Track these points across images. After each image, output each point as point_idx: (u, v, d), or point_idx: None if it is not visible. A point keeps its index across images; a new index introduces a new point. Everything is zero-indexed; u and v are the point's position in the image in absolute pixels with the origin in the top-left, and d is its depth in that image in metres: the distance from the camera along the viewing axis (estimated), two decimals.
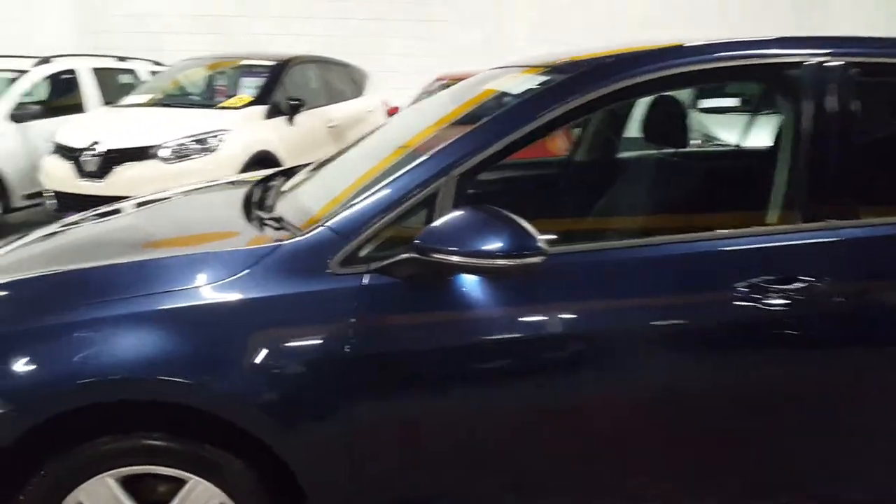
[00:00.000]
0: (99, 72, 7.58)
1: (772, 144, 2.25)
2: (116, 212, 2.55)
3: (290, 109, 6.58)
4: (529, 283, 1.69)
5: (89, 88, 7.40)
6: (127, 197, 2.93)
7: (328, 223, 1.73)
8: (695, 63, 1.90)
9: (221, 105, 6.58)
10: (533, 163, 3.09)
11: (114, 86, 7.63)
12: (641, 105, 2.52)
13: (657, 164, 2.74)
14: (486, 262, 1.58)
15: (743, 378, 1.78)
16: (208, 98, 7.06)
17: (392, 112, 7.92)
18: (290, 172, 2.71)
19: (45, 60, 7.17)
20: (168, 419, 1.66)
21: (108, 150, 5.74)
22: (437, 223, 1.63)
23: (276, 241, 1.76)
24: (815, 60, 1.88)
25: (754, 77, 2.36)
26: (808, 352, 1.79)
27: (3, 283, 1.81)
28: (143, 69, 8.24)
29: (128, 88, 7.50)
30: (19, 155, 6.48)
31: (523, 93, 2.01)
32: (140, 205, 2.59)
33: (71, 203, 5.49)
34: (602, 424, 1.78)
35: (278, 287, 1.66)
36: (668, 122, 2.39)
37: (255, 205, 2.23)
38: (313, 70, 7.48)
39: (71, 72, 7.34)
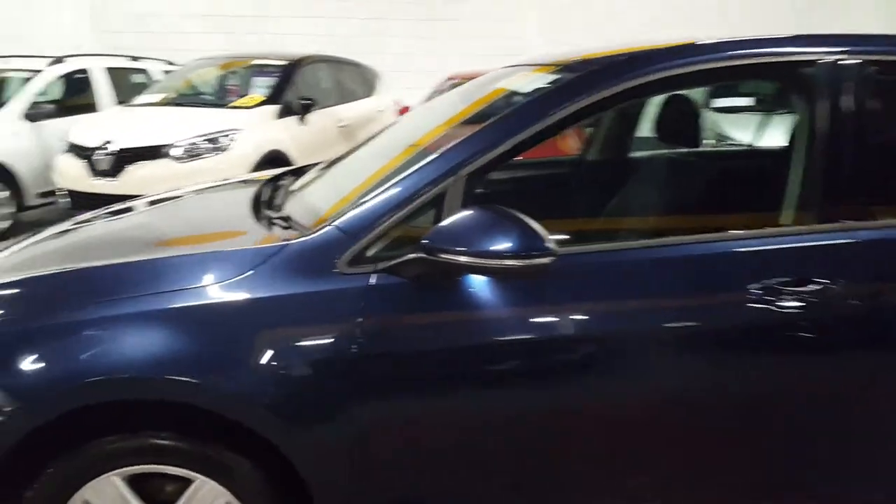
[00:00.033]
0: (112, 71, 7.64)
1: (786, 144, 2.22)
2: (128, 210, 2.55)
3: (302, 109, 6.60)
4: (538, 283, 1.67)
5: (102, 88, 7.46)
6: (139, 196, 2.94)
7: (336, 222, 1.72)
8: (708, 61, 1.87)
9: (233, 104, 6.61)
10: (544, 162, 3.07)
11: (127, 85, 7.68)
12: (654, 104, 2.50)
13: (669, 163, 2.72)
14: (494, 262, 1.57)
15: (756, 381, 1.76)
16: (220, 97, 7.08)
17: (403, 111, 7.92)
18: (299, 172, 2.71)
19: (59, 60, 7.24)
20: (175, 418, 1.66)
21: (121, 149, 5.78)
22: (445, 223, 1.62)
23: (284, 240, 1.75)
24: (830, 59, 1.85)
25: (768, 76, 2.34)
26: (823, 355, 1.76)
27: (16, 281, 1.81)
28: (155, 69, 8.29)
29: (140, 88, 7.55)
30: (33, 154, 6.55)
31: (533, 91, 1.99)
32: (152, 203, 2.59)
33: (84, 201, 5.53)
34: (613, 427, 1.76)
35: (286, 286, 1.65)
36: (681, 122, 2.36)
37: (264, 204, 2.23)
38: (325, 70, 7.49)
39: (84, 71, 7.40)
